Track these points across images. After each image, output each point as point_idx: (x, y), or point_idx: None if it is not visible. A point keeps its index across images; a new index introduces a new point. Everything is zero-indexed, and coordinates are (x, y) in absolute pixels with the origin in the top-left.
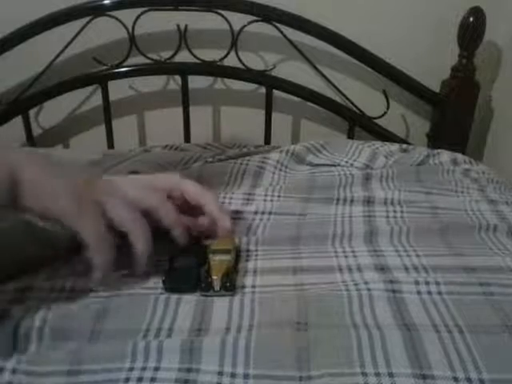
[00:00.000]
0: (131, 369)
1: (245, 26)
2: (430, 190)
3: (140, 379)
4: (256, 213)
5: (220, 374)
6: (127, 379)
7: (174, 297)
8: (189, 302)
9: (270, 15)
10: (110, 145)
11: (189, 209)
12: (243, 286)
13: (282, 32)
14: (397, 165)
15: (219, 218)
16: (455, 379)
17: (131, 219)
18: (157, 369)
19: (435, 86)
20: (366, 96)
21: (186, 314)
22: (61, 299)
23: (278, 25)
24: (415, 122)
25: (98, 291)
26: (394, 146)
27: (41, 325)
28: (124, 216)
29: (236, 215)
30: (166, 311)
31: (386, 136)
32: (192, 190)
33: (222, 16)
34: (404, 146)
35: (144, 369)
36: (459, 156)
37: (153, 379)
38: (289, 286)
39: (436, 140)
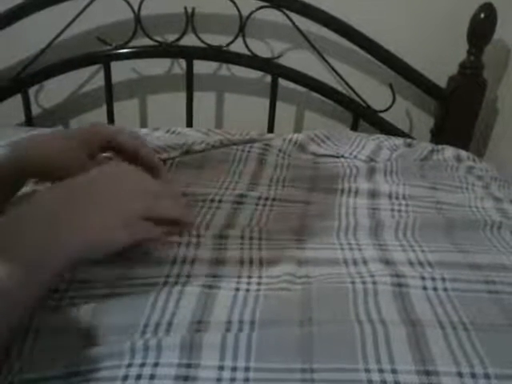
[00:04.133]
0: (130, 365)
1: (253, 11)
2: (434, 185)
3: (139, 376)
4: (259, 198)
5: (221, 368)
6: (126, 377)
7: (176, 290)
8: (190, 293)
9: (279, 1)
10: None
11: (125, 159)
12: (249, 276)
13: (290, 19)
14: (401, 159)
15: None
16: (460, 374)
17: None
18: (156, 365)
19: (442, 81)
20: (371, 89)
21: (186, 307)
22: (57, 297)
23: (286, 12)
24: (419, 118)
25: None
26: (399, 140)
27: (36, 325)
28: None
29: (241, 199)
30: (167, 305)
31: (389, 130)
32: (129, 140)
33: (231, 0)
34: (408, 140)
35: (143, 365)
36: (463, 153)
37: (152, 376)
38: (294, 277)
39: (440, 136)
